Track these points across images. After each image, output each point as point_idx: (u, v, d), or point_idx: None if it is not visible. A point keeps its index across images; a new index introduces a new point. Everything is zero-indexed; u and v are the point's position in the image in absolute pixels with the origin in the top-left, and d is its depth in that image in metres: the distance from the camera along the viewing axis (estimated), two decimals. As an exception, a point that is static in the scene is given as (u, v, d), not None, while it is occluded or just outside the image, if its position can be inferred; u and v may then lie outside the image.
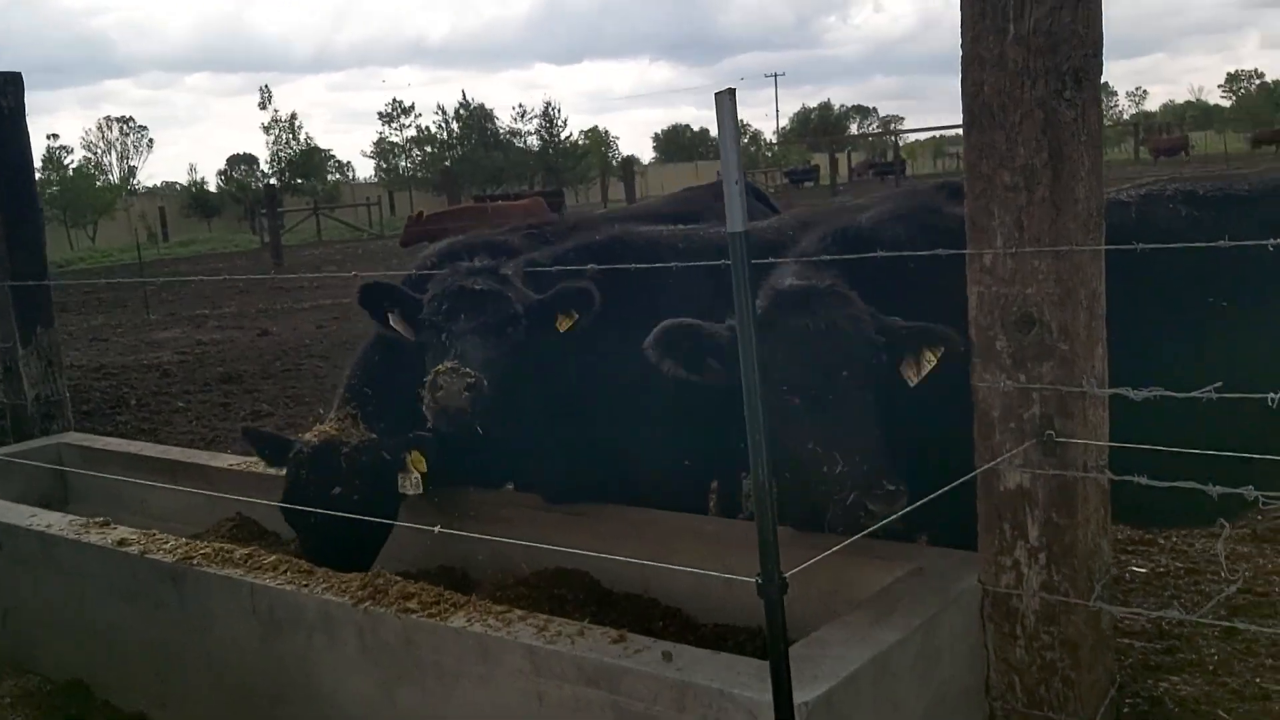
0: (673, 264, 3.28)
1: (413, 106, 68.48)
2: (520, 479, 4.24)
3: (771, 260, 2.98)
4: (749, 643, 3.22)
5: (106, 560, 3.68)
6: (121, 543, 3.66)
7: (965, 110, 2.61)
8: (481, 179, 60.73)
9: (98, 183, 55.51)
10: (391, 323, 3.73)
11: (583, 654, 2.54)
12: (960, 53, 2.60)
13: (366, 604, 2.93)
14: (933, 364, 2.70)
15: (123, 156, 77.02)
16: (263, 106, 60.84)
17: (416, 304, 3.69)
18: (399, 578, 3.05)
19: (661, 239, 3.79)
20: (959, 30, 2.58)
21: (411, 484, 3.83)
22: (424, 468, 3.78)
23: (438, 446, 3.73)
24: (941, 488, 2.78)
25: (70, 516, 4.01)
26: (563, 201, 50.01)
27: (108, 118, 70.54)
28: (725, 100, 1.65)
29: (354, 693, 3.00)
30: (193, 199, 62.21)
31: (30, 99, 5.46)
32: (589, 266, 3.39)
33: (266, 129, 61.66)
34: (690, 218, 4.37)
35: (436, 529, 2.70)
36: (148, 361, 12.44)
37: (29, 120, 5.42)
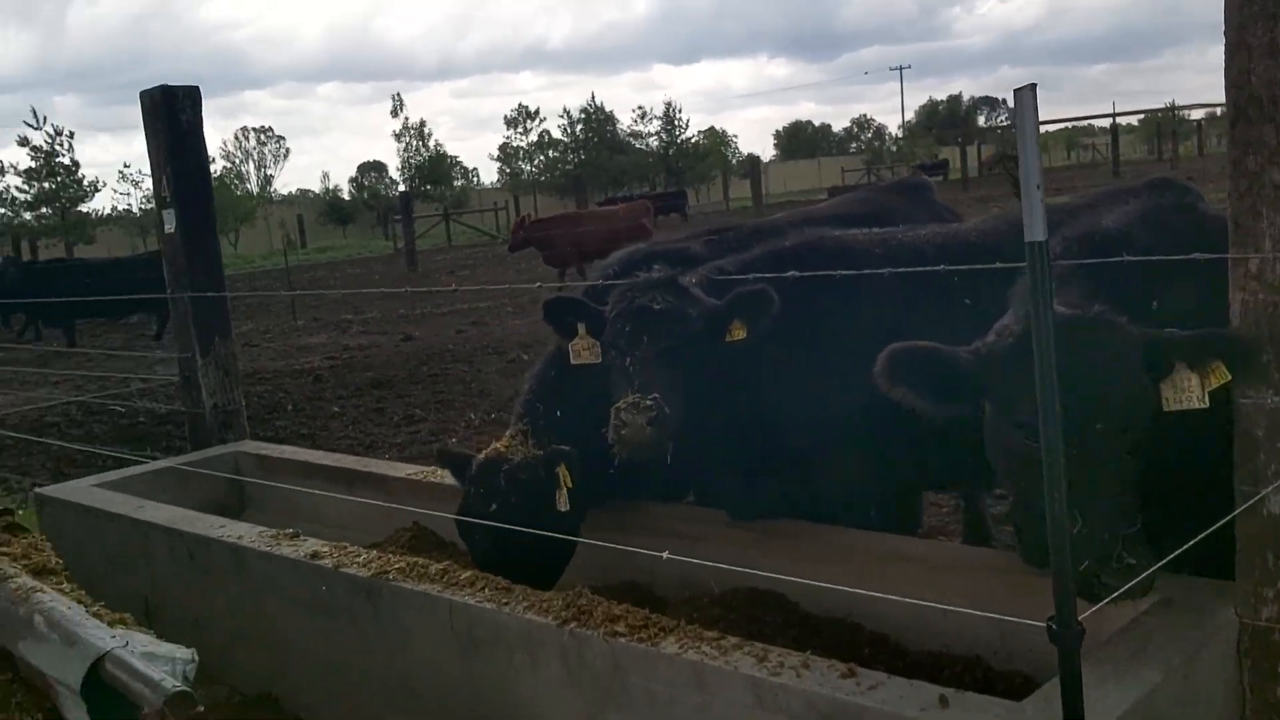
0: (885, 270, 3.11)
1: (537, 111, 69.13)
2: (701, 493, 4.13)
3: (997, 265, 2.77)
4: (966, 674, 3.04)
5: (298, 573, 3.70)
6: (314, 555, 3.66)
7: (1230, 103, 2.39)
8: (604, 182, 61.14)
9: (237, 191, 57.67)
10: (577, 339, 3.64)
11: (812, 688, 2.39)
12: (1224, 40, 2.39)
13: (571, 625, 2.85)
14: (1225, 379, 2.42)
15: (260, 165, 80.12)
16: (394, 114, 62.28)
17: (602, 318, 3.61)
18: (601, 598, 2.96)
19: (856, 243, 3.62)
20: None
21: (563, 500, 3.77)
22: (570, 482, 3.72)
23: (580, 460, 3.68)
24: (1183, 512, 2.57)
25: (259, 528, 4.05)
26: (685, 202, 50.00)
27: (245, 128, 73.26)
28: (1026, 96, 1.50)
29: (557, 717, 2.93)
30: (328, 206, 64.24)
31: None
32: (790, 274, 3.24)
33: (398, 136, 63.21)
34: (873, 219, 4.19)
35: (665, 555, 2.59)
36: (299, 367, 12.80)
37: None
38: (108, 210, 47.81)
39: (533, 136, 68.43)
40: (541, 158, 68.01)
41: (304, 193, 76.79)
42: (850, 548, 3.45)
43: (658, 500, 4.10)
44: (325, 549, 3.70)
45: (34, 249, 37.17)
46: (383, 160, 77.38)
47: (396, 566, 3.42)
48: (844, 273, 3.15)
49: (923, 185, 5.13)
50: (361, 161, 75.75)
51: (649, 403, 3.31)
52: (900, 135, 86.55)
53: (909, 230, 3.74)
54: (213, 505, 5.00)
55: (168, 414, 9.87)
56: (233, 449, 5.50)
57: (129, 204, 47.37)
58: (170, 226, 5.50)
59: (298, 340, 15.77)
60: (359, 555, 3.60)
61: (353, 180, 71.19)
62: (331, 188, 72.30)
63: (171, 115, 5.38)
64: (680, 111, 68.59)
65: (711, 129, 77.09)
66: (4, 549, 2.96)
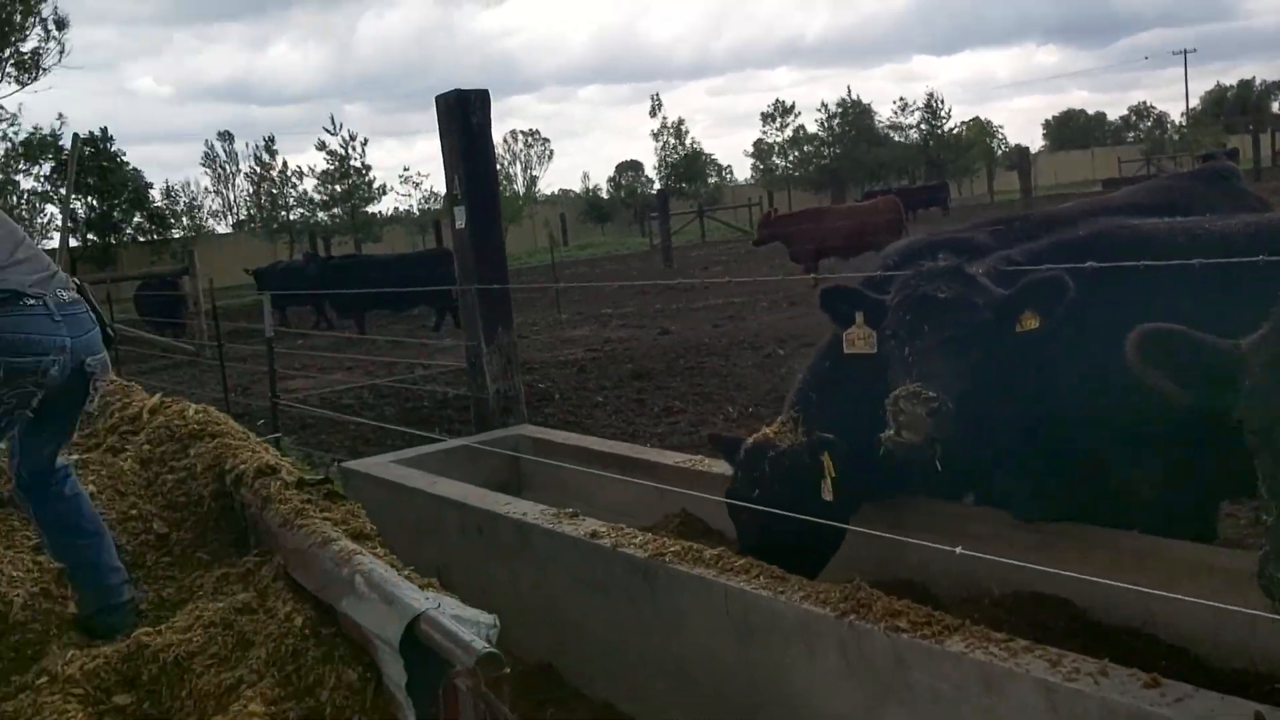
0: (1195, 261, 2.91)
1: (793, 106, 68.71)
2: (982, 491, 3.99)
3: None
4: (1276, 694, 2.80)
5: (579, 551, 3.86)
6: (593, 535, 3.81)
7: None
8: (862, 176, 60.06)
9: (506, 193, 60.66)
10: (853, 328, 3.61)
11: (1112, 696, 2.28)
12: None
13: (850, 617, 2.83)
14: None
15: (526, 167, 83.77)
16: (652, 114, 63.76)
17: (880, 307, 3.56)
18: (880, 593, 2.93)
19: (1157, 233, 3.40)
20: None
21: (827, 489, 3.74)
22: (833, 471, 3.68)
23: (844, 450, 3.63)
24: None
25: (542, 506, 4.26)
26: (947, 195, 48.35)
27: (514, 131, 76.71)
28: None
29: (833, 708, 2.92)
30: (588, 205, 66.46)
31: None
32: (1087, 264, 3.08)
33: (655, 135, 64.59)
34: (1173, 209, 3.91)
35: (958, 550, 2.54)
36: (564, 358, 13.31)
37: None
38: (390, 211, 51.41)
39: (788, 132, 68.12)
40: (796, 153, 67.56)
41: (565, 192, 79.73)
42: (1145, 555, 3.25)
43: (935, 497, 4.00)
44: (604, 529, 3.84)
45: (327, 246, 40.47)
46: (639, 159, 79.28)
47: (672, 550, 3.51)
48: (1146, 263, 2.97)
49: (1228, 172, 4.73)
50: (619, 161, 77.91)
51: (929, 394, 3.23)
52: (1184, 123, 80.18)
53: (1217, 219, 3.48)
54: (495, 484, 5.29)
55: (446, 399, 10.53)
56: (513, 432, 5.80)
57: (410, 205, 50.77)
58: (460, 223, 5.86)
59: (562, 333, 16.41)
60: (635, 537, 3.72)
61: (611, 179, 73.26)
62: (591, 187, 74.71)
63: (464, 117, 5.73)
64: (942, 102, 66.34)
65: (976, 119, 74.15)
66: (325, 514, 3.25)
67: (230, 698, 2.65)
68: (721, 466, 4.50)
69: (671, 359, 12.29)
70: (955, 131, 67.58)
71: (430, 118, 5.95)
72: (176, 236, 44.84)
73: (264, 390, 11.92)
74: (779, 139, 68.11)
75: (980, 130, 72.60)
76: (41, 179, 38.78)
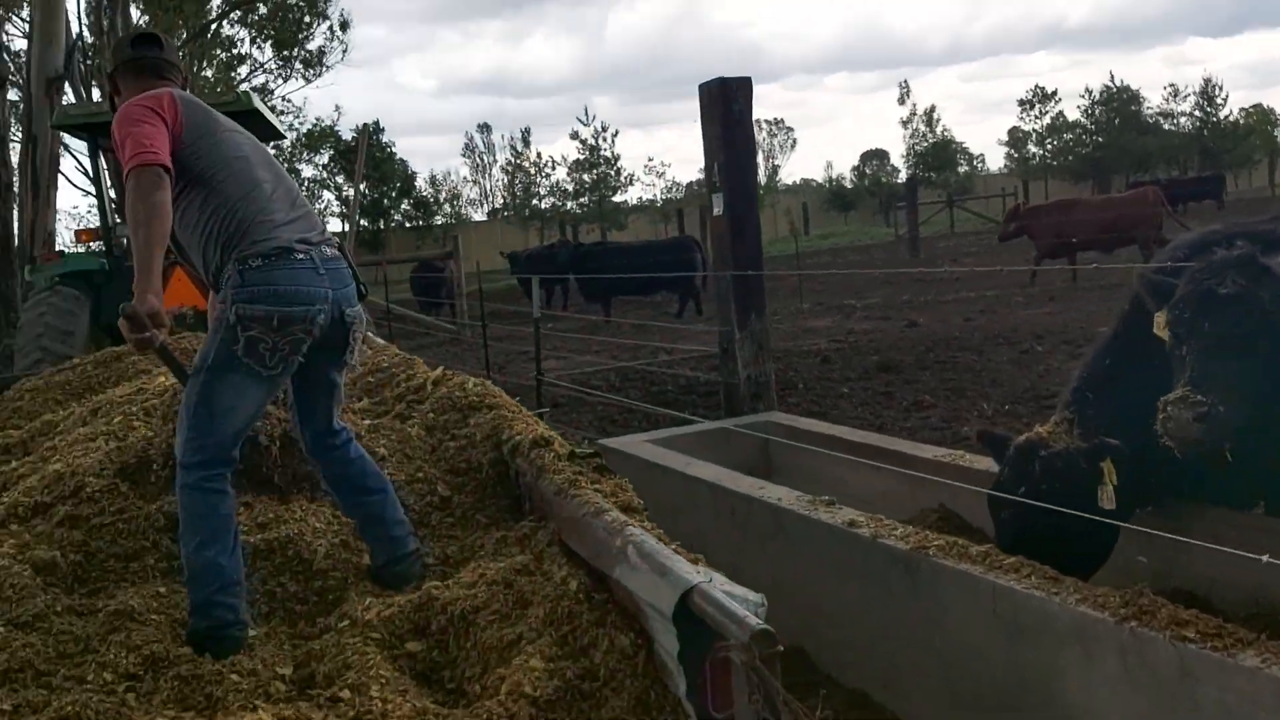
0: None
1: (1054, 92, 65.18)
2: (1275, 501, 3.71)
3: None
4: None
5: (835, 539, 3.86)
6: (851, 524, 3.80)
7: None
8: (1128, 165, 56.39)
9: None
10: (1157, 323, 3.43)
11: None
12: None
13: (1131, 624, 2.71)
14: None
15: (768, 156, 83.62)
16: (901, 101, 62.24)
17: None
18: (1164, 600, 2.78)
19: None
20: None
21: (1106, 497, 3.56)
22: (1114, 479, 3.49)
23: (1129, 457, 3.44)
24: None
25: (797, 493, 4.28)
26: (1222, 187, 44.66)
27: (757, 121, 76.71)
28: None
29: (1112, 716, 2.80)
30: (831, 194, 65.70)
31: (689, 107, 5.97)
32: None
33: (904, 123, 63.06)
34: None
35: (1264, 559, 2.39)
36: (807, 348, 13.24)
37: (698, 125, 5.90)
38: (634, 200, 52.55)
39: (1046, 119, 64.79)
40: (1054, 141, 64.20)
41: (807, 181, 79.02)
42: None
43: (1219, 504, 3.75)
44: (862, 519, 3.82)
45: (575, 233, 41.89)
46: (884, 148, 77.49)
47: (936, 543, 3.45)
48: None
49: None
50: (864, 150, 76.42)
51: (1199, 398, 3.04)
52: None
53: None
54: (744, 468, 5.35)
55: (691, 383, 10.70)
56: (763, 418, 5.85)
57: (653, 194, 51.73)
58: (718, 209, 5.95)
59: (804, 323, 16.32)
60: (896, 528, 3.68)
61: (855, 168, 72.09)
62: (834, 176, 73.70)
63: (725, 105, 5.81)
64: (1220, 87, 61.24)
65: (1257, 106, 68.11)
66: (596, 487, 3.39)
67: (511, 652, 2.81)
68: (984, 463, 4.39)
69: (920, 352, 11.99)
70: (1233, 119, 62.32)
71: (673, 109, 6.27)
72: (438, 223, 47.58)
73: (519, 368, 12.52)
74: (1036, 127, 64.93)
75: (1263, 118, 66.65)
76: (320, 168, 42.17)
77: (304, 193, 3.57)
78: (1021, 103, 65.74)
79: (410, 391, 4.70)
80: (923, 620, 3.43)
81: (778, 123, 78.61)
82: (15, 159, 12.55)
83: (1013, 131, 67.64)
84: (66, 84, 12.95)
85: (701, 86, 5.95)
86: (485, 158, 61.20)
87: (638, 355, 13.69)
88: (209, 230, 3.28)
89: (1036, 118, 64.86)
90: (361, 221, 43.27)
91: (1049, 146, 64.23)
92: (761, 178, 74.17)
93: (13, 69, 14.28)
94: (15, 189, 11.97)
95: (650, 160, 50.26)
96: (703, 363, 11.35)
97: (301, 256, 3.28)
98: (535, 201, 49.89)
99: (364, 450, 3.65)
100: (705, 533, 4.78)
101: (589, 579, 2.99)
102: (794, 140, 79.19)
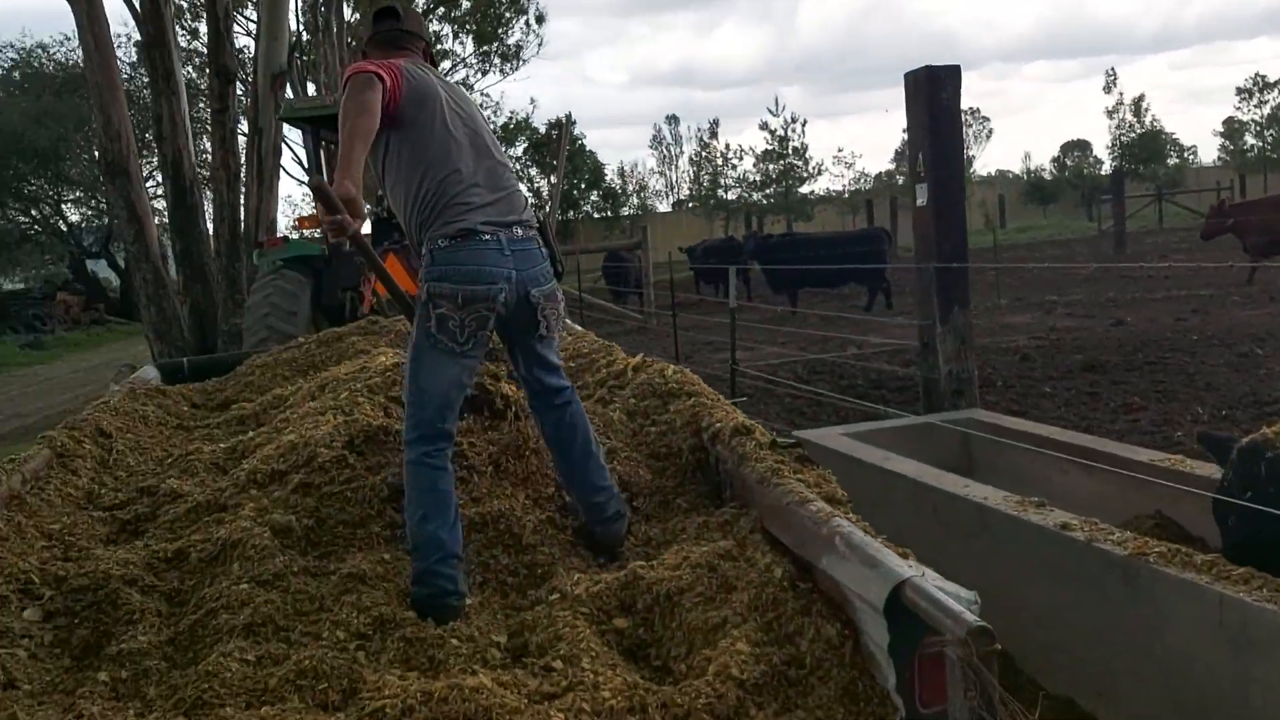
0: None
1: (1276, 81, 60.52)
2: None
3: None
4: None
5: (1046, 541, 3.74)
6: (1064, 526, 3.68)
7: None
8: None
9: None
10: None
11: None
12: None
13: (1383, 647, 2.53)
14: None
15: (963, 146, 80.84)
16: (1107, 90, 59.17)
17: None
18: None
19: None
20: None
21: None
22: None
23: None
24: None
25: (1004, 492, 4.16)
26: None
27: (952, 111, 74.17)
28: None
29: (1353, 743, 2.62)
30: (1029, 186, 63.04)
31: (879, 96, 5.82)
32: None
33: (1110, 113, 59.83)
34: None
35: None
36: (1005, 344, 12.79)
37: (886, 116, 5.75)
38: (822, 191, 51.88)
39: (1266, 109, 60.26)
40: (1274, 133, 59.64)
41: (1003, 173, 76.08)
42: None
43: None
44: (1075, 522, 3.69)
45: (760, 224, 41.70)
46: (1087, 139, 73.81)
47: (1156, 550, 3.31)
48: None
49: None
50: (1065, 140, 72.99)
51: None
52: None
53: None
54: (944, 465, 5.23)
55: (880, 377, 10.52)
56: (965, 414, 5.70)
57: (841, 185, 50.97)
58: (922, 200, 5.83)
59: (1001, 319, 15.77)
60: (1112, 533, 3.54)
61: (1055, 160, 68.92)
62: (1033, 168, 70.67)
63: (932, 94, 5.68)
64: None
65: None
66: (799, 477, 3.39)
67: (716, 634, 2.85)
68: (1206, 469, 4.16)
69: (1128, 352, 11.41)
70: None
71: (861, 99, 6.27)
72: (625, 214, 48.26)
73: (704, 357, 12.60)
74: (1255, 117, 60.49)
75: None
76: (515, 160, 43.46)
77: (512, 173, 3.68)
78: (1239, 91, 61.45)
79: (610, 377, 4.81)
80: (1142, 628, 3.29)
81: (973, 112, 76.02)
82: (242, 150, 13.40)
83: (1228, 122, 63.25)
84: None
85: (907, 76, 5.83)
86: (673, 149, 61.62)
87: (825, 347, 13.55)
88: (410, 209, 3.47)
89: (1255, 107, 60.45)
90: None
91: (1269, 138, 59.75)
92: (954, 169, 71.87)
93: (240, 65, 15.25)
94: (242, 178, 12.80)
95: (840, 150, 49.37)
96: (895, 356, 11.13)
97: (488, 238, 3.41)
98: (721, 193, 49.93)
99: (580, 416, 3.75)
100: (904, 529, 4.68)
101: (793, 567, 3.00)
102: (990, 130, 76.54)
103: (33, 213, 34.57)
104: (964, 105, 5.74)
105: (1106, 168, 54.48)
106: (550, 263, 3.60)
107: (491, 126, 4.72)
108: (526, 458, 4.04)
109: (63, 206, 34.79)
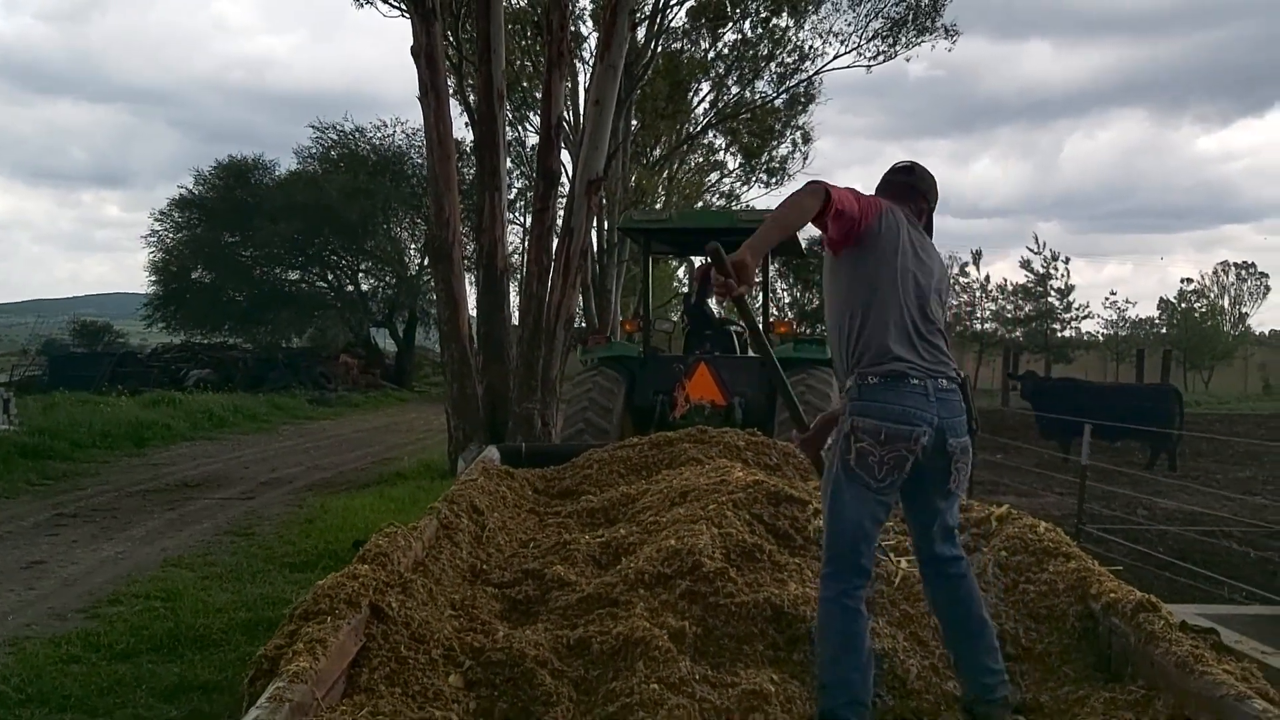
0: None
1: None
2: None
3: None
4: None
5: None
6: None
7: None
8: None
9: (1220, 328, 55.50)
10: None
11: None
12: None
13: None
14: None
15: (1235, 302, 75.81)
16: None
17: None
18: None
19: None
20: None
21: None
22: None
23: None
24: None
25: None
26: None
27: (1224, 263, 69.70)
28: None
29: None
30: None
31: (1143, 240, 5.45)
32: None
33: None
34: None
35: None
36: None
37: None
38: (1082, 334, 49.68)
39: None
40: None
41: (1276, 333, 70.67)
42: None
43: None
44: None
45: (1016, 363, 40.25)
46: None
47: None
48: None
49: None
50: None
51: None
52: None
53: None
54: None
55: (1212, 549, 9.81)
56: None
57: (1101, 329, 48.68)
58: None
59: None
60: None
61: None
62: (1320, 330, 65.34)
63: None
64: None
65: None
66: (1224, 667, 3.24)
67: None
68: None
69: None
70: None
71: (1124, 240, 5.97)
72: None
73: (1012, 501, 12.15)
74: None
75: None
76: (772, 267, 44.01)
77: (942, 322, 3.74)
78: None
79: (970, 524, 4.76)
80: None
81: (1248, 267, 71.39)
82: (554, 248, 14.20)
83: None
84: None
85: None
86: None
87: (1111, 504, 12.85)
88: (844, 338, 3.60)
89: None
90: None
91: None
92: (1226, 325, 67.55)
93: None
94: (550, 274, 13.55)
95: (1113, 293, 47.27)
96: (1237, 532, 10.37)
97: (916, 382, 3.49)
98: (975, 324, 48.67)
99: (975, 586, 3.73)
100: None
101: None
102: (1267, 287, 71.38)
103: (329, 278, 37.75)
104: (1238, 258, 5.42)
105: None
106: (967, 417, 3.64)
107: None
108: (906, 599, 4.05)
109: (358, 275, 37.83)
